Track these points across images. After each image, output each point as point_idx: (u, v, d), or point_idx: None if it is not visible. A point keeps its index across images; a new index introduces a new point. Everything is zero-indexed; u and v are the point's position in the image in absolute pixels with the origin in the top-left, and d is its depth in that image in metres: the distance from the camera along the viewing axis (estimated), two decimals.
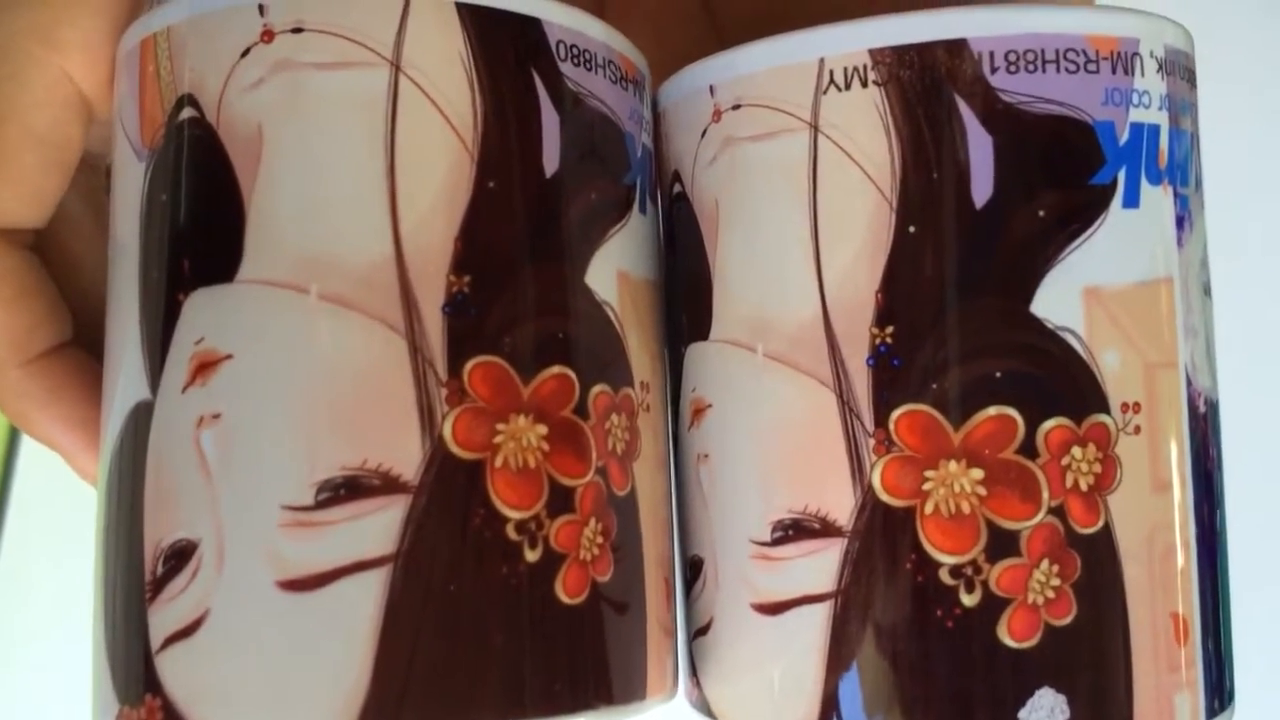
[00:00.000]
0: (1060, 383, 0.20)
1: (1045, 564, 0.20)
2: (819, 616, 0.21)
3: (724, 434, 0.22)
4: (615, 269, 0.21)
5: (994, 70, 0.20)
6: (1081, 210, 0.20)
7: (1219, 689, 0.21)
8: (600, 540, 0.20)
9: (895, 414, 0.20)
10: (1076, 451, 0.20)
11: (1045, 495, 0.20)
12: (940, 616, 0.20)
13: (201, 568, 0.19)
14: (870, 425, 0.20)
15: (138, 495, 0.19)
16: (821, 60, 0.21)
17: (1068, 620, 0.20)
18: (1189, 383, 0.21)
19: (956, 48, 0.20)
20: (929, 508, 0.20)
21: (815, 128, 0.21)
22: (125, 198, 0.21)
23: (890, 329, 0.20)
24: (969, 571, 0.20)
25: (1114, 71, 0.21)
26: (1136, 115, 0.21)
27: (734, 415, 0.22)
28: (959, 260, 0.20)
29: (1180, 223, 0.21)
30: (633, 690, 0.21)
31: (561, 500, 0.20)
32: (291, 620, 0.18)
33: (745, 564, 0.22)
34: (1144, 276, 0.21)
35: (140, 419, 0.20)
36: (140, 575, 0.19)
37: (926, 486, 0.20)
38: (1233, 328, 0.24)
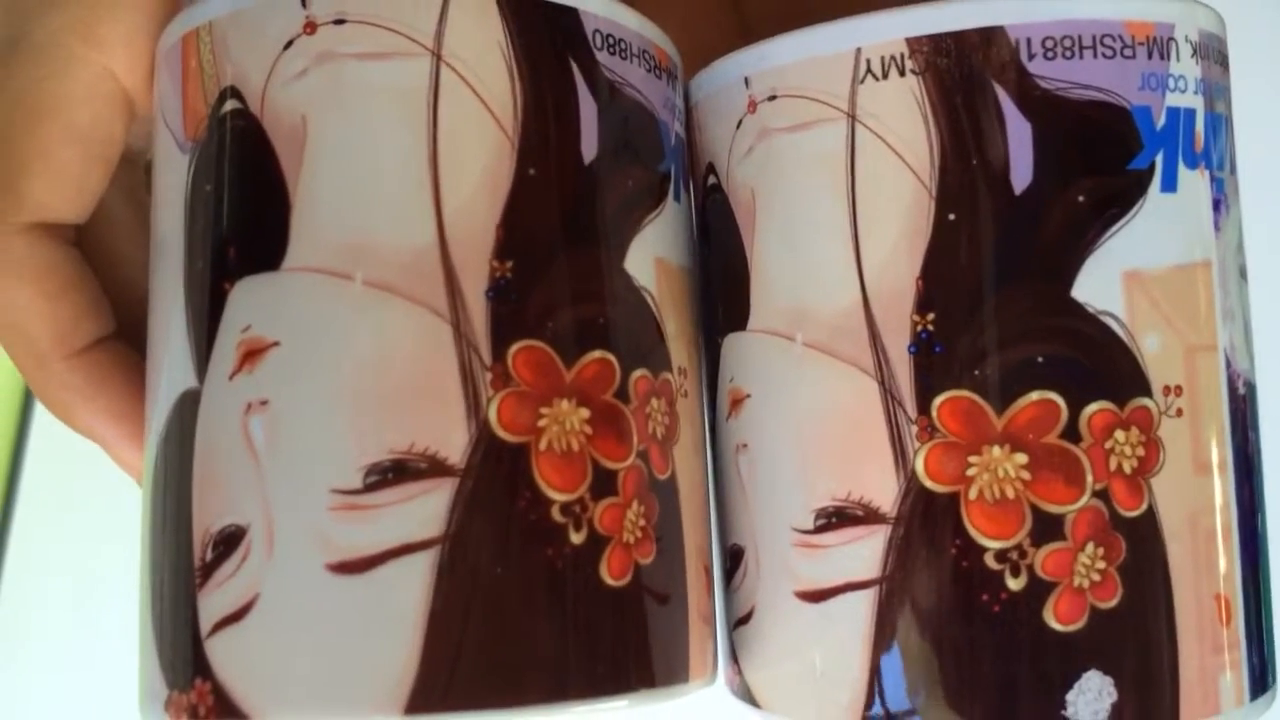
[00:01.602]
0: (1102, 366, 0.20)
1: (1090, 547, 0.20)
2: (863, 603, 0.21)
3: (764, 423, 0.22)
4: (653, 255, 0.22)
5: (1031, 57, 0.20)
6: (1120, 195, 0.20)
7: (1262, 670, 0.22)
8: (643, 523, 0.20)
9: (938, 400, 0.20)
10: (1119, 435, 0.20)
11: (1089, 479, 0.20)
12: (986, 601, 0.20)
13: (251, 552, 0.19)
14: (913, 412, 0.20)
15: (185, 482, 0.20)
16: (858, 50, 0.21)
17: (1113, 603, 0.20)
18: (1228, 365, 0.21)
19: (994, 35, 0.20)
20: (973, 493, 0.20)
21: (853, 117, 0.21)
22: (168, 190, 0.21)
23: (931, 316, 0.20)
24: (1014, 556, 0.20)
25: (1150, 56, 0.21)
26: (1173, 100, 0.21)
27: (774, 405, 0.22)
28: (999, 246, 0.20)
29: (1216, 206, 0.22)
30: (674, 673, 0.21)
31: (605, 483, 0.20)
32: (341, 603, 0.18)
33: (788, 552, 0.22)
34: (1183, 260, 0.21)
35: (187, 407, 0.20)
36: (190, 561, 0.19)
37: (970, 472, 0.20)
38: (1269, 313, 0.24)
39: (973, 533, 0.20)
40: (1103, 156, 0.20)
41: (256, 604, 0.19)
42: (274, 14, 0.20)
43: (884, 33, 0.21)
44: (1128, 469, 0.20)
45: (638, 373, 0.21)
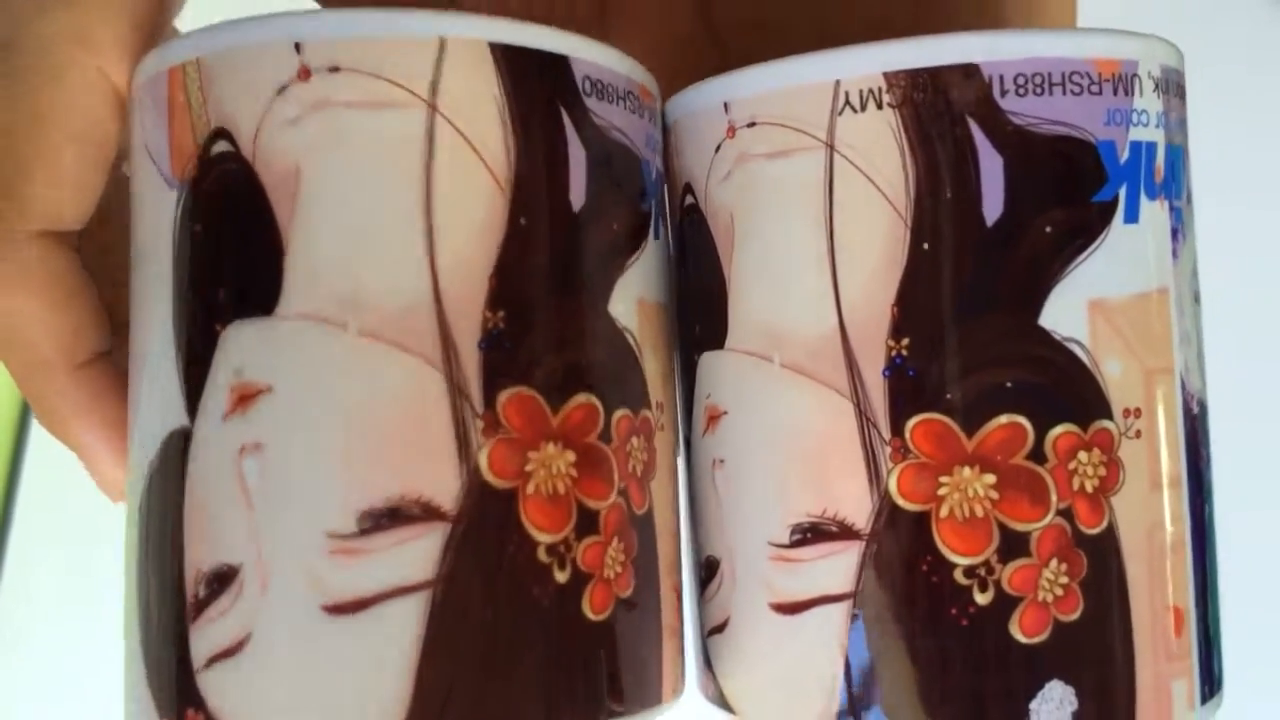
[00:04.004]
0: (1067, 391, 0.21)
1: (1054, 563, 0.21)
2: (836, 615, 0.22)
3: (741, 440, 0.23)
4: (635, 296, 0.22)
5: (1004, 93, 0.21)
6: (1086, 226, 0.21)
7: (1210, 676, 0.23)
8: (622, 558, 0.21)
9: (911, 423, 0.21)
10: (1082, 456, 0.21)
11: (1054, 498, 0.21)
12: (955, 615, 0.21)
13: (244, 592, 0.19)
14: (887, 433, 0.21)
15: (176, 519, 0.20)
16: (837, 82, 0.21)
17: (1075, 616, 0.21)
18: (1183, 387, 0.22)
19: (969, 71, 0.21)
20: (944, 511, 0.21)
21: (831, 147, 0.21)
22: (154, 224, 0.21)
23: (906, 341, 0.21)
24: (982, 572, 0.21)
25: (1115, 92, 0.21)
26: (1135, 134, 0.22)
27: (751, 422, 0.23)
28: (971, 275, 0.21)
29: (1175, 234, 0.22)
30: (650, 697, 0.22)
31: (588, 523, 0.21)
32: (335, 641, 0.19)
33: (764, 565, 0.23)
34: (1143, 288, 0.22)
35: (177, 445, 0.20)
36: (180, 596, 0.20)
37: (941, 491, 0.21)
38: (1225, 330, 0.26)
39: (943, 549, 0.21)
40: (1070, 189, 0.21)
41: (250, 641, 0.19)
42: (266, 57, 0.20)
43: (863, 66, 0.21)
44: (1089, 488, 0.21)
45: (619, 413, 0.21)
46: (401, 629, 0.19)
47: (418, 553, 0.19)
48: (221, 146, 0.20)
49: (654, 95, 0.24)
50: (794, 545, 0.22)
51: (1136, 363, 0.22)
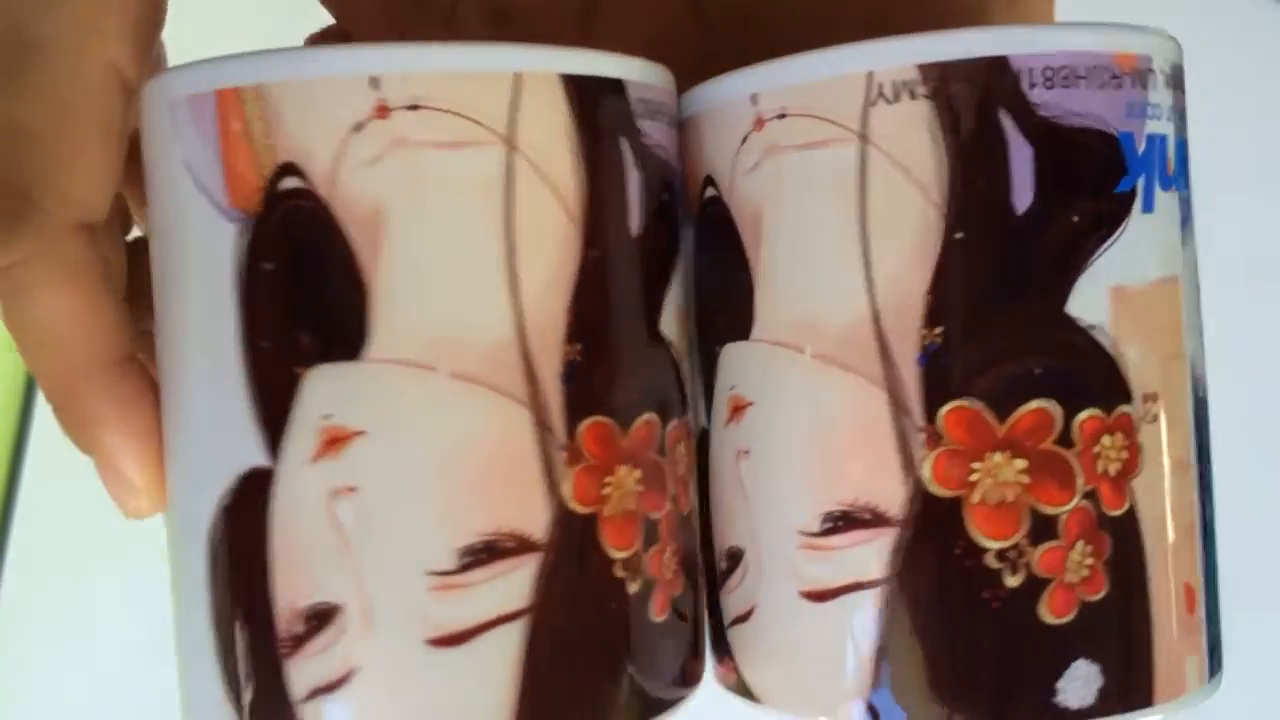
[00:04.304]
0: (1092, 376, 0.22)
1: (1080, 545, 0.22)
2: (869, 602, 0.22)
3: (768, 431, 0.23)
4: (676, 309, 0.23)
5: (1032, 86, 0.21)
6: (1109, 216, 0.22)
7: (1215, 652, 0.24)
8: (674, 564, 0.23)
9: (944, 410, 0.21)
10: (1106, 440, 0.22)
11: (1080, 481, 0.22)
12: (986, 598, 0.21)
13: (347, 629, 0.20)
14: (920, 421, 0.22)
15: (259, 557, 0.20)
16: (870, 74, 0.22)
17: (1100, 596, 0.22)
18: (1193, 371, 0.23)
19: (999, 64, 0.21)
20: (975, 497, 0.21)
21: (864, 138, 0.22)
22: (204, 252, 0.21)
23: (939, 329, 0.21)
24: (1013, 555, 0.21)
25: (1133, 86, 0.22)
26: (1151, 126, 0.22)
27: (780, 412, 0.23)
28: (1003, 264, 0.21)
29: (1184, 224, 0.23)
30: (694, 677, 0.24)
31: (651, 534, 0.22)
32: (440, 672, 0.20)
33: (792, 554, 0.23)
34: (1158, 276, 0.22)
35: (256, 484, 0.21)
36: (270, 631, 0.20)
37: (973, 478, 0.21)
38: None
39: (975, 534, 0.21)
40: (1094, 180, 0.22)
41: (356, 675, 0.20)
42: (340, 92, 0.20)
43: (896, 58, 0.21)
44: (1113, 471, 0.22)
45: (671, 425, 0.23)
46: (503, 654, 0.20)
47: (514, 583, 0.20)
48: (292, 182, 0.20)
49: (674, 95, 0.24)
50: (825, 533, 0.22)
51: (1153, 348, 0.22)
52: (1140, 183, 0.22)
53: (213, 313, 0.21)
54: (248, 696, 0.21)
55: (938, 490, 0.22)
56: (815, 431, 0.22)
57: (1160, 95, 0.23)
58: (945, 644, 0.22)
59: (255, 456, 0.20)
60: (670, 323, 0.23)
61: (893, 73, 0.21)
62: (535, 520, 0.20)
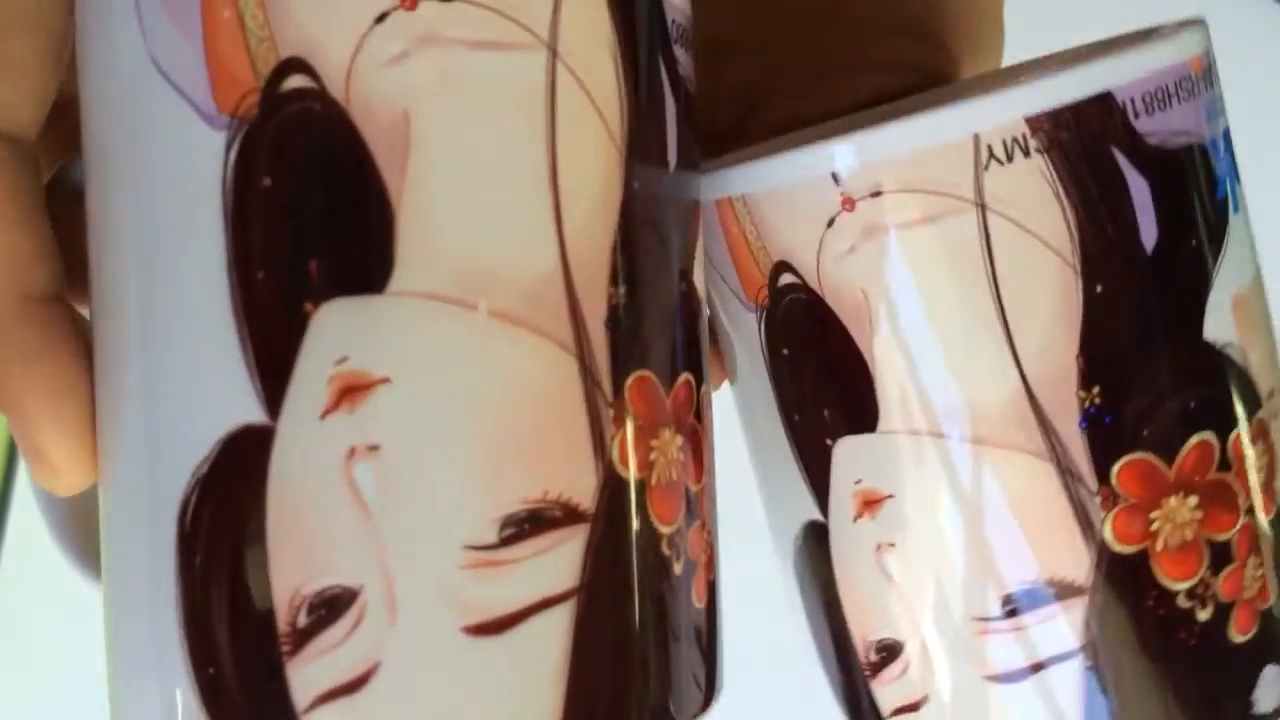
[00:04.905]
0: (1232, 395, 0.21)
1: (1251, 560, 0.21)
2: (1068, 673, 0.21)
3: (914, 522, 0.22)
4: (701, 261, 0.21)
5: (1136, 116, 0.20)
6: (1217, 230, 0.21)
7: None
8: (708, 539, 0.20)
9: (1115, 468, 0.21)
10: (1252, 452, 0.22)
11: (1241, 501, 0.21)
12: (1184, 639, 0.21)
13: (366, 617, 0.17)
14: (1094, 484, 0.21)
15: (253, 532, 0.17)
16: (976, 136, 0.20)
17: (1271, 603, 0.22)
18: None
19: (1105, 101, 0.20)
20: (1159, 545, 0.21)
21: (982, 205, 0.20)
22: (180, 166, 0.17)
23: (1097, 389, 0.20)
24: (1200, 590, 0.21)
25: (1207, 89, 0.21)
26: (1221, 125, 0.22)
27: (925, 503, 0.21)
28: (1144, 307, 0.20)
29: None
30: (719, 680, 0.22)
31: (691, 509, 0.19)
32: (480, 666, 0.17)
33: (971, 640, 0.22)
34: (1254, 272, 0.22)
35: (249, 443, 0.17)
36: (269, 627, 0.17)
37: (1154, 527, 0.21)
38: None
39: (1164, 581, 0.21)
40: (1202, 197, 0.21)
41: (378, 674, 0.17)
42: None
43: (1001, 115, 0.20)
44: (1262, 480, 0.22)
45: (703, 388, 0.20)
46: (550, 643, 0.17)
47: (561, 559, 0.17)
48: (298, 81, 0.16)
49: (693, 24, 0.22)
50: (1008, 615, 0.21)
51: (1265, 346, 0.22)
52: (1229, 185, 0.22)
53: (189, 240, 0.17)
54: (239, 707, 0.17)
55: (1121, 548, 0.21)
56: (980, 516, 0.21)
57: (1217, 91, 0.22)
58: (1155, 694, 0.21)
59: (247, 412, 0.17)
60: (699, 274, 0.20)
61: (1000, 131, 0.20)
62: (583, 486, 0.17)
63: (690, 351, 0.20)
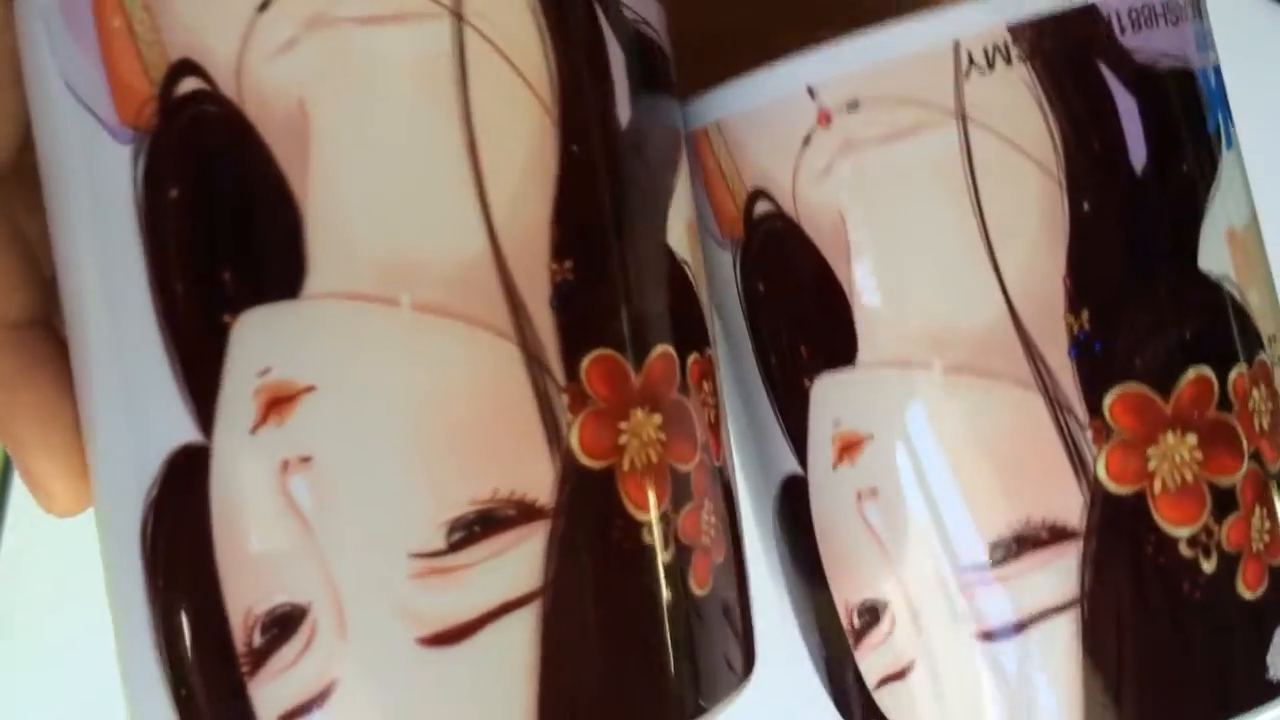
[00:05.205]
0: (1232, 331, 0.20)
1: (1258, 510, 0.20)
2: (1063, 626, 0.20)
3: (894, 467, 0.20)
4: (685, 221, 0.20)
5: (1123, 31, 0.19)
6: (1210, 158, 0.20)
7: None
8: (714, 520, 0.19)
9: (1108, 399, 0.19)
10: (1255, 394, 0.20)
11: (1245, 444, 0.20)
12: (1188, 590, 0.20)
13: (317, 634, 0.16)
14: (1085, 417, 0.19)
15: (200, 555, 0.16)
16: (956, 42, 0.19)
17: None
18: None
19: (1090, 12, 0.19)
20: (1157, 486, 0.19)
21: (963, 116, 0.19)
22: (94, 183, 0.17)
23: (1085, 314, 0.19)
24: (1204, 538, 0.20)
25: (1195, 17, 0.21)
26: (1211, 58, 0.21)
27: (906, 445, 0.20)
28: (1134, 230, 0.19)
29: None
30: (746, 663, 0.20)
31: (682, 489, 0.18)
32: (440, 678, 0.16)
33: (955, 596, 0.20)
34: (1250, 213, 0.21)
35: (189, 465, 0.16)
36: (226, 649, 0.16)
37: (1151, 466, 0.19)
38: None
39: (1164, 526, 0.19)
40: (1192, 124, 0.20)
41: (335, 691, 0.16)
42: None
43: (982, 21, 0.19)
44: (1267, 426, 0.20)
45: (691, 358, 0.19)
46: (513, 650, 0.16)
47: (519, 560, 0.16)
48: (191, 84, 0.16)
49: None
50: (998, 564, 0.20)
51: (1264, 288, 0.21)
52: (1220, 118, 0.21)
53: (113, 257, 0.17)
54: None
55: (1117, 488, 0.19)
56: (964, 456, 0.20)
57: (1206, 23, 0.21)
58: (1155, 650, 0.20)
59: (183, 432, 0.16)
60: (679, 237, 0.19)
61: (981, 38, 0.19)
62: (539, 480, 0.16)
63: (672, 320, 0.19)
